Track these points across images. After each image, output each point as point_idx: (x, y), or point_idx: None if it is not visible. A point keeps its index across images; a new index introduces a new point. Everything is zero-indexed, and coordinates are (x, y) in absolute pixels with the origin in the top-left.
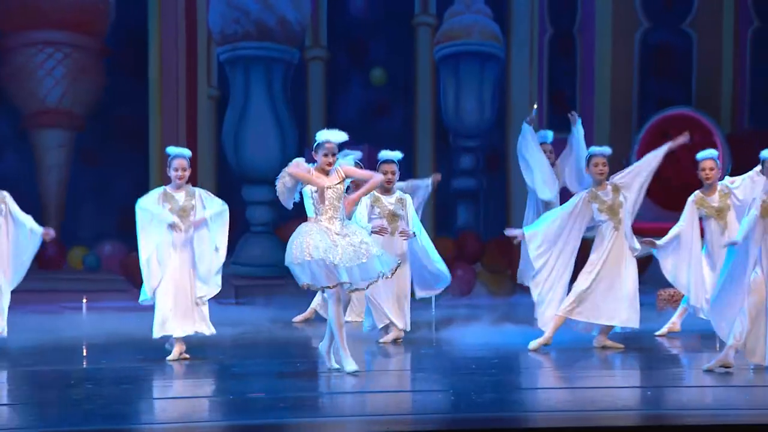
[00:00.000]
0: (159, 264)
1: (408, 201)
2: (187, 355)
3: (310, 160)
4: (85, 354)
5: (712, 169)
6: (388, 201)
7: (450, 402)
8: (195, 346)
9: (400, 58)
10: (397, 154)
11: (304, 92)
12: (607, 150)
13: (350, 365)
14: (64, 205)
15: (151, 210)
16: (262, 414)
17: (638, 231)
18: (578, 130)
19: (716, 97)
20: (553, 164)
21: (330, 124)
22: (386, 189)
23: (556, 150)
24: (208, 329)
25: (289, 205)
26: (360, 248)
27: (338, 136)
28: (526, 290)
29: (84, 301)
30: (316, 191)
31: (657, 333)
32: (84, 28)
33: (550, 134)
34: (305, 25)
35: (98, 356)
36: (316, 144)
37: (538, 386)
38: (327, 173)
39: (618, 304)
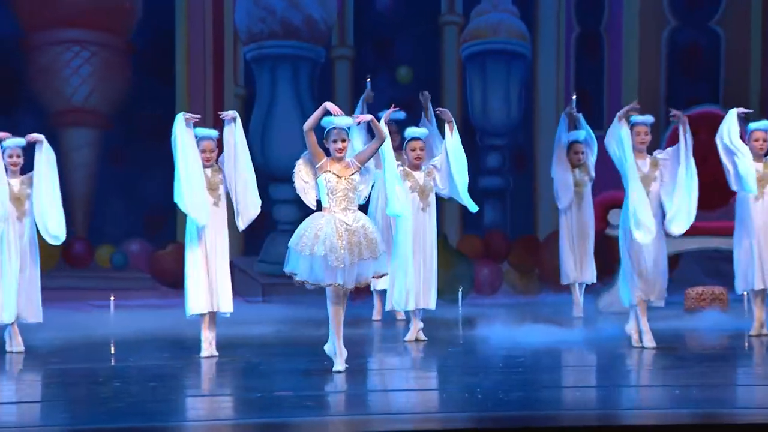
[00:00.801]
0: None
1: (438, 166)
2: (216, 353)
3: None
4: (113, 352)
5: (765, 140)
6: (418, 176)
7: (477, 400)
8: (223, 344)
9: (427, 56)
10: (423, 131)
11: (330, 91)
12: (649, 118)
13: (338, 365)
14: (91, 204)
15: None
16: (288, 412)
17: None
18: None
19: (744, 96)
20: (582, 164)
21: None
22: (416, 165)
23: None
24: (229, 306)
25: (313, 203)
26: (368, 246)
27: (343, 120)
28: (555, 289)
29: (112, 299)
30: (330, 181)
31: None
32: (111, 26)
33: (582, 134)
34: (331, 24)
35: (126, 354)
36: (325, 132)
37: (566, 385)
38: (340, 161)
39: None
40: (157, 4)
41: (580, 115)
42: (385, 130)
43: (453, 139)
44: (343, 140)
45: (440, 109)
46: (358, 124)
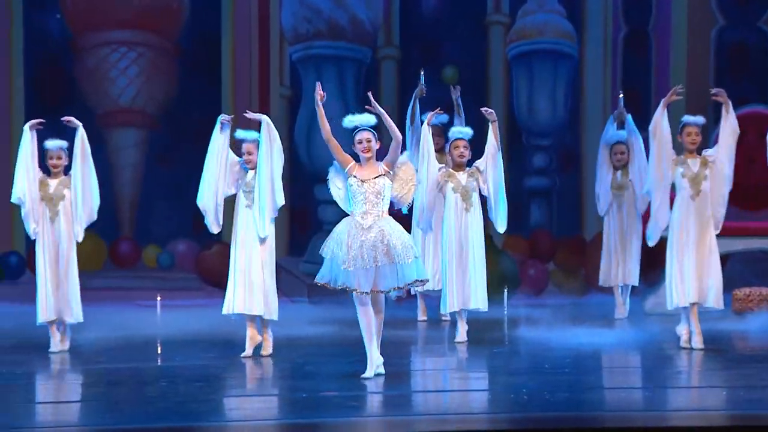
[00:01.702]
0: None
1: (481, 167)
2: (270, 353)
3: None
4: (159, 351)
5: None
6: (461, 177)
7: (523, 401)
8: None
9: (473, 57)
10: (467, 131)
11: (376, 91)
12: (700, 119)
13: (367, 372)
14: (137, 204)
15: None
16: (333, 412)
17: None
18: (633, 127)
19: None
20: (624, 166)
21: (402, 123)
22: (459, 165)
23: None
24: (268, 312)
25: (350, 208)
26: (386, 252)
27: (363, 118)
28: (601, 289)
29: (158, 299)
30: (352, 185)
31: None
32: (158, 27)
33: (623, 134)
34: (377, 24)
35: (172, 354)
36: (352, 136)
37: (612, 386)
38: (369, 166)
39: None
40: (204, 6)
41: (629, 116)
42: (426, 132)
43: (495, 144)
44: (368, 140)
45: (486, 109)
46: (368, 111)
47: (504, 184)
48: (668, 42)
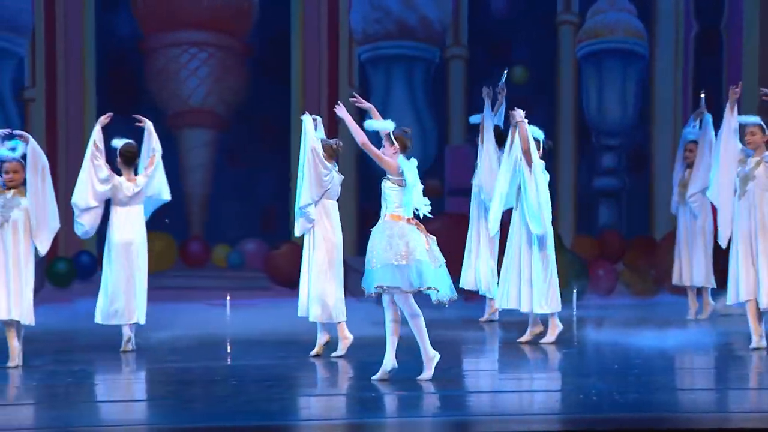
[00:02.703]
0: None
1: (536, 168)
2: (341, 354)
3: (453, 158)
4: (229, 351)
5: None
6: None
7: (592, 402)
8: (336, 344)
9: (542, 56)
10: (537, 131)
11: (444, 91)
12: (751, 119)
13: (378, 374)
14: (208, 204)
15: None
16: (402, 412)
17: None
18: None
19: None
20: (691, 164)
21: (469, 123)
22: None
23: None
24: (315, 315)
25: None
26: (377, 251)
27: (379, 124)
28: (671, 290)
29: (228, 298)
30: None
31: None
32: (228, 28)
33: (696, 133)
34: (446, 24)
35: (242, 353)
36: None
37: (683, 387)
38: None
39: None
40: (273, 6)
41: (709, 116)
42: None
43: (522, 145)
44: (382, 146)
45: (513, 109)
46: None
47: (538, 186)
48: (740, 41)
